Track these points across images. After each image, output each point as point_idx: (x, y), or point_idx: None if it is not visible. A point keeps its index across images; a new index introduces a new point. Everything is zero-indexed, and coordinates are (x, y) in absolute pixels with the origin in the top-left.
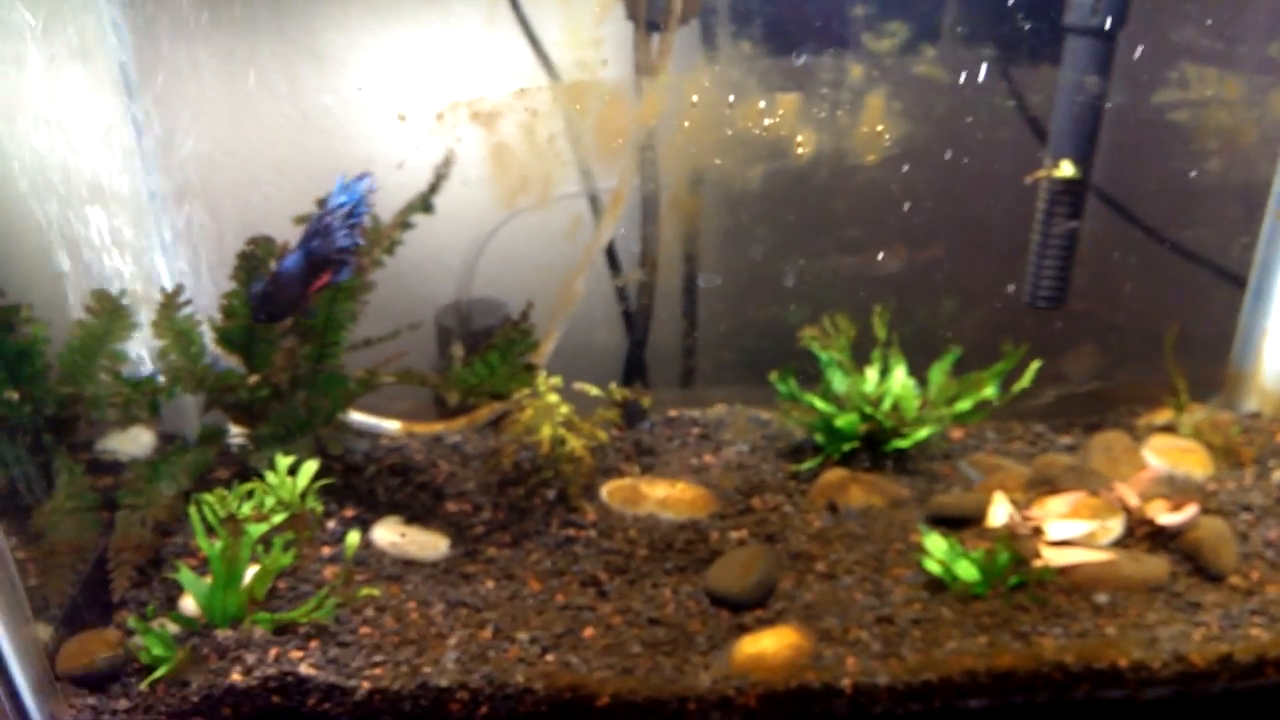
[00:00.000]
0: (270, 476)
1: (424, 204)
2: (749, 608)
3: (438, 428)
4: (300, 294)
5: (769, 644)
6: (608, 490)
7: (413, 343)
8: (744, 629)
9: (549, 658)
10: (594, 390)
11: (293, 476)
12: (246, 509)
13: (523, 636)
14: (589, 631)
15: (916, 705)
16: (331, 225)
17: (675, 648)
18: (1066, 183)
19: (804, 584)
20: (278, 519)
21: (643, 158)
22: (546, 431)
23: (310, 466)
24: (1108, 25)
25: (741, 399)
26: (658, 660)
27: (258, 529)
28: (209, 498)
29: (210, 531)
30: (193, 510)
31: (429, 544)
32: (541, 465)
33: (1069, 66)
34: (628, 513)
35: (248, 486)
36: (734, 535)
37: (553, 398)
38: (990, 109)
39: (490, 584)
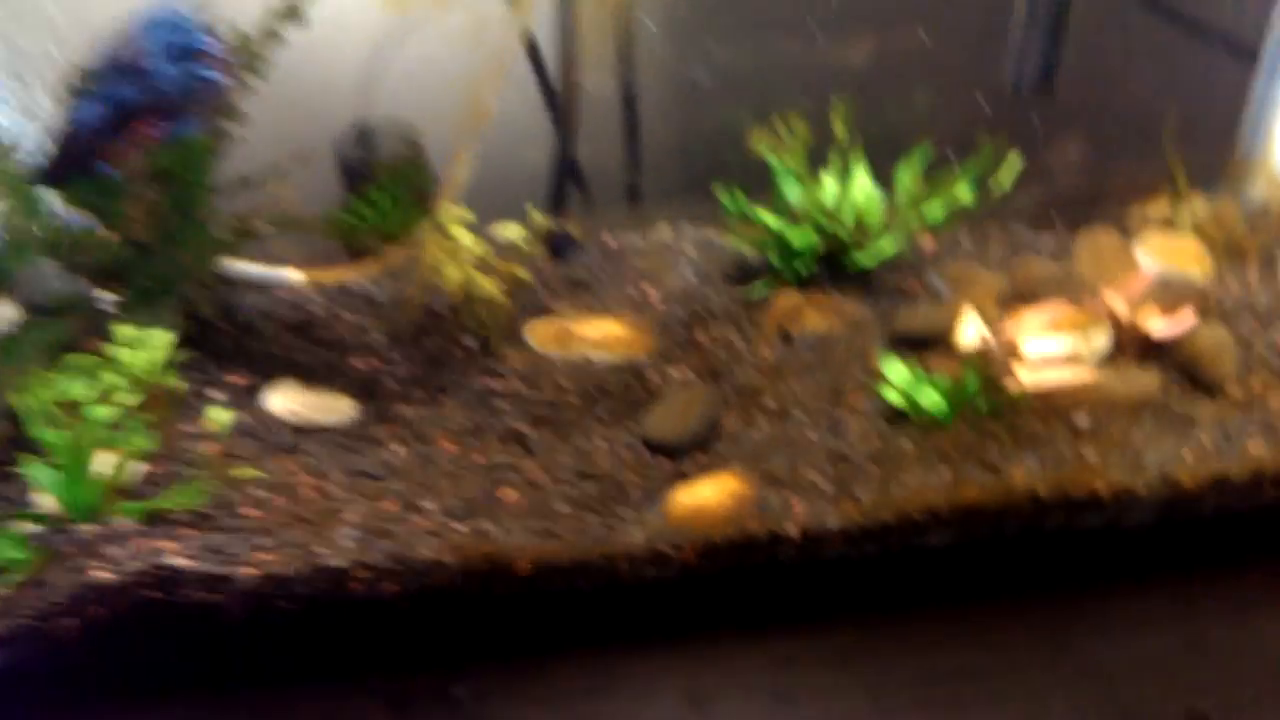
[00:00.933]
0: (118, 349)
1: (291, 10)
2: (690, 453)
3: (347, 274)
4: (106, 150)
5: (708, 492)
6: (534, 333)
7: (311, 178)
8: (684, 477)
9: (461, 526)
10: (510, 230)
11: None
12: (78, 389)
13: (432, 505)
14: (509, 493)
15: (873, 546)
16: (148, 67)
17: (607, 503)
18: None
19: (752, 423)
20: (124, 399)
21: None
22: (453, 275)
23: (160, 337)
24: None
25: (690, 218)
26: (586, 519)
27: (101, 411)
28: (35, 382)
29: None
30: (18, 398)
31: (331, 407)
32: (460, 312)
33: None
34: (557, 357)
35: (87, 361)
36: (675, 374)
37: (460, 234)
38: None
39: (398, 448)
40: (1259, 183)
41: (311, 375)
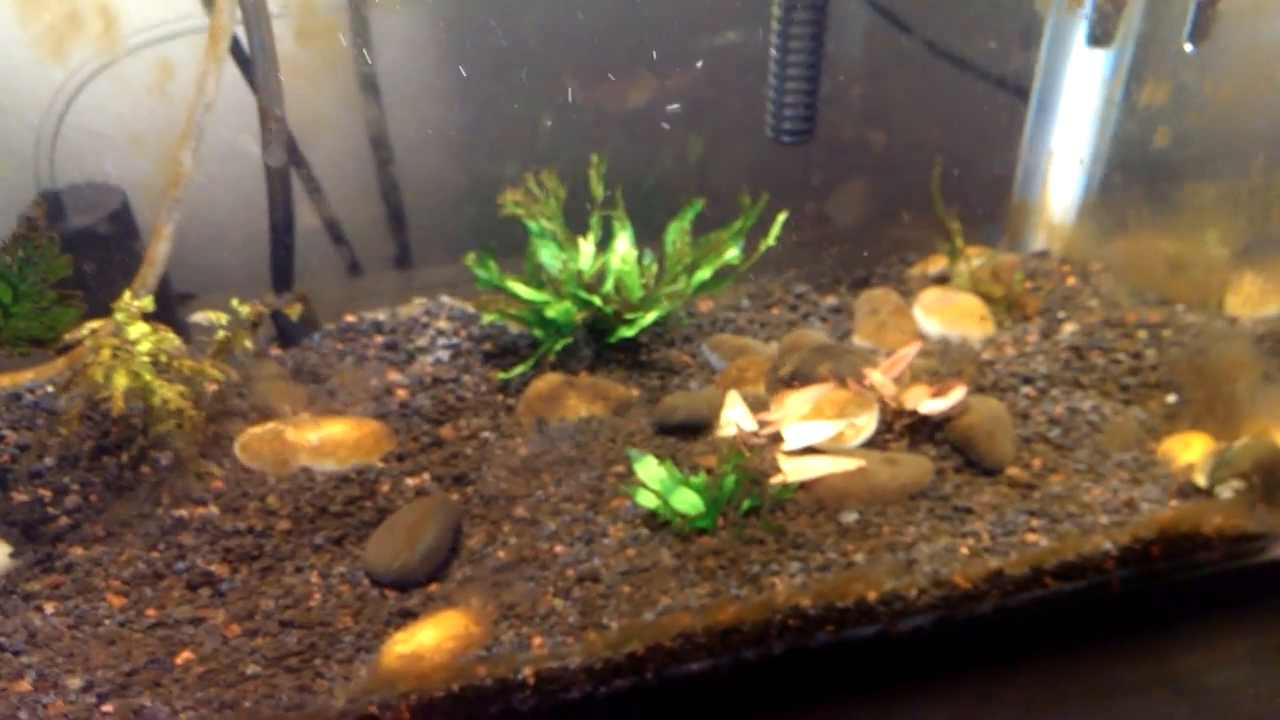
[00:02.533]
0: None
1: None
2: (420, 584)
3: (23, 377)
4: None
5: (427, 638)
6: (244, 443)
7: None
8: (410, 616)
9: (107, 707)
10: (220, 317)
11: None
12: None
13: (75, 682)
14: (185, 655)
15: (623, 681)
16: None
17: (310, 658)
18: None
19: (497, 538)
20: None
21: None
22: (121, 382)
23: None
24: None
25: (448, 288)
26: (278, 681)
27: None
28: None
29: None
30: None
31: None
32: (147, 423)
33: None
34: (270, 471)
35: None
36: (411, 483)
37: (136, 330)
38: None
39: (51, 608)
40: (1038, 229)
41: None
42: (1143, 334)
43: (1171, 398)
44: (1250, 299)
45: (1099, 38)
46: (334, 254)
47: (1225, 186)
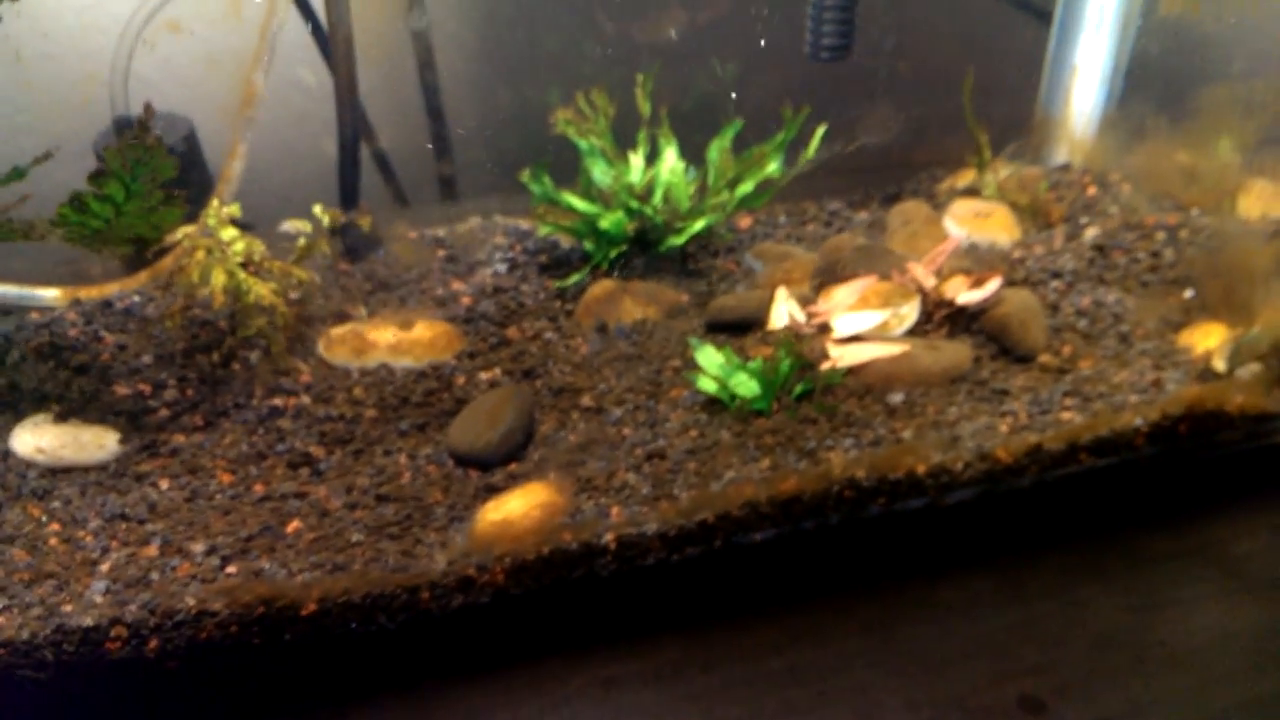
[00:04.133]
0: None
1: None
2: (500, 463)
3: (110, 289)
4: None
5: (516, 506)
6: (327, 342)
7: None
8: (495, 490)
9: (231, 569)
10: (299, 226)
11: None
12: None
13: (198, 547)
14: (294, 525)
15: (694, 549)
16: None
17: (407, 527)
18: None
19: (567, 424)
20: None
21: None
22: (219, 280)
23: None
24: None
25: (501, 209)
26: (382, 547)
27: None
28: None
29: None
30: None
31: (89, 443)
32: (239, 322)
33: None
34: (354, 366)
35: None
36: (484, 377)
37: (229, 235)
38: None
39: (166, 484)
40: (1060, 143)
41: (66, 407)
42: (1161, 235)
43: (1189, 293)
44: (1261, 201)
45: None
46: (389, 180)
47: (1239, 90)
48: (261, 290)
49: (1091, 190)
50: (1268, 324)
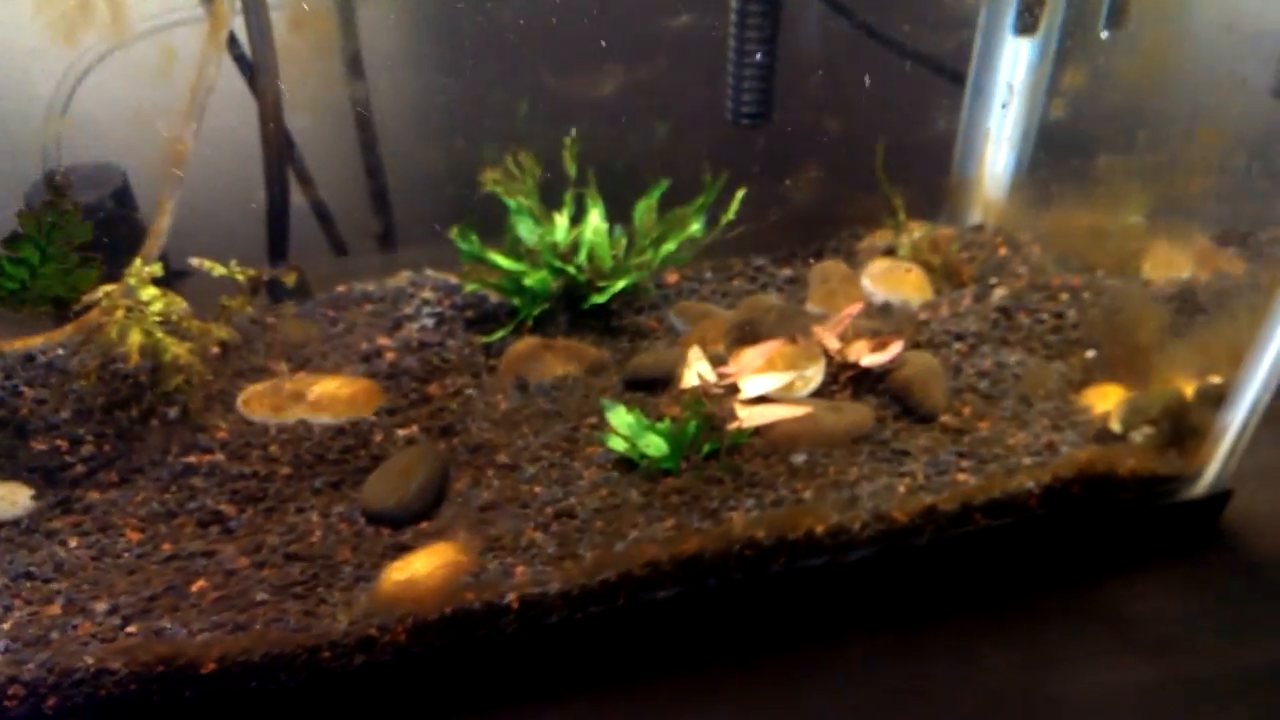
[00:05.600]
0: None
1: None
2: (411, 521)
3: (35, 341)
4: None
5: (420, 566)
6: (245, 398)
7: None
8: (404, 549)
9: (131, 628)
10: (215, 268)
11: None
12: None
13: (101, 606)
14: (199, 584)
15: (597, 607)
16: None
17: (313, 586)
18: None
19: (481, 481)
20: None
21: None
22: (136, 339)
23: None
24: None
25: (432, 262)
26: (286, 606)
27: None
28: None
29: None
30: None
31: (1, 499)
32: (158, 380)
33: None
34: (272, 422)
35: None
36: (402, 433)
37: (148, 292)
38: None
39: (75, 542)
40: (975, 204)
41: None
42: (1065, 296)
43: (1090, 353)
44: (1162, 264)
45: (1024, 27)
46: (321, 234)
47: (1138, 162)
48: (179, 350)
49: (1002, 250)
50: (1159, 387)
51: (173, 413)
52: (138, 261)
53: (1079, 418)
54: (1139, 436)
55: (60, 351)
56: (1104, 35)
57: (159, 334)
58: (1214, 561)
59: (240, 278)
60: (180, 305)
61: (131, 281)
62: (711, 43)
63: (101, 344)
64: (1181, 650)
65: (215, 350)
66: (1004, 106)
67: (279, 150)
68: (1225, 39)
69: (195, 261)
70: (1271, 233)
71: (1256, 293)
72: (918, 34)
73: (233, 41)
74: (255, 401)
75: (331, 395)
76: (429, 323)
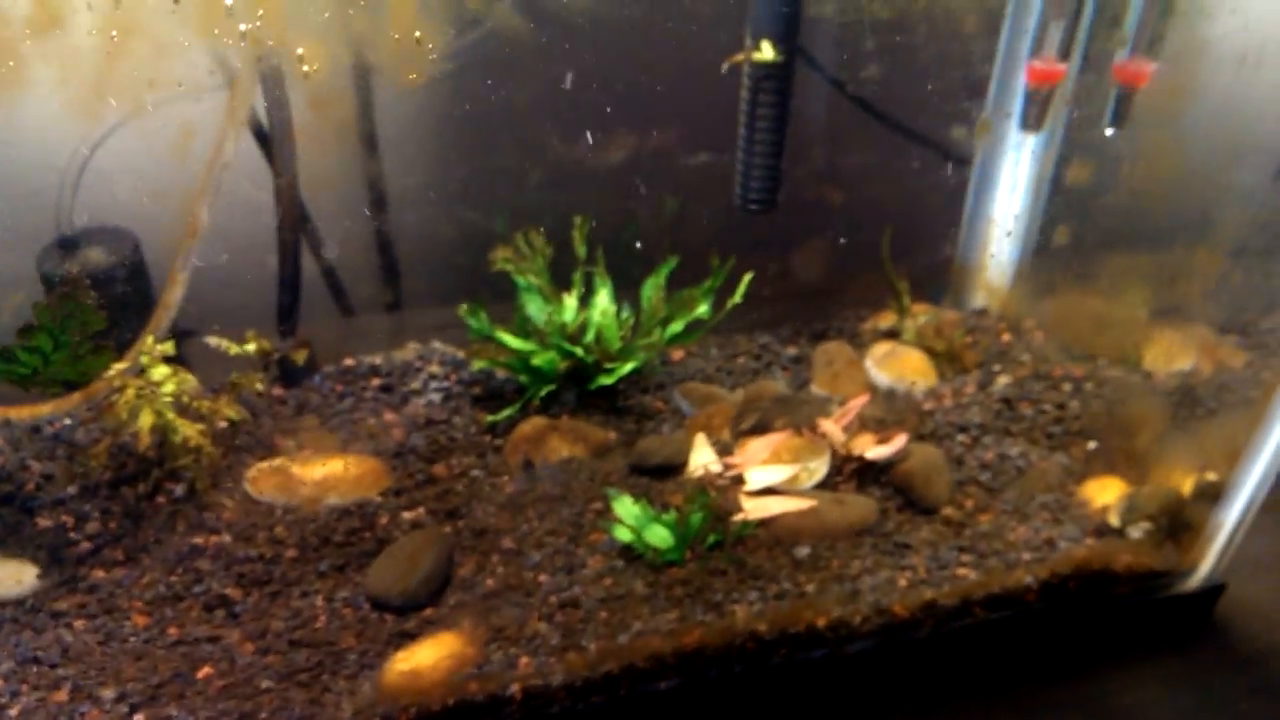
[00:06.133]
0: None
1: None
2: (416, 609)
3: (42, 410)
4: None
5: (425, 656)
6: (253, 476)
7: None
8: (409, 636)
9: (139, 716)
10: (233, 348)
11: None
12: None
13: (108, 694)
14: (205, 671)
15: (599, 698)
16: None
17: (318, 674)
18: (768, 67)
19: (486, 568)
20: None
21: (262, 43)
22: (147, 421)
23: None
24: None
25: (440, 335)
26: (291, 694)
27: None
28: None
29: None
30: None
31: (6, 578)
32: (165, 457)
33: None
34: (279, 502)
35: None
36: (407, 516)
37: (159, 372)
38: None
39: (81, 624)
40: (978, 289)
41: None
42: (1068, 386)
43: (1091, 444)
44: (1164, 355)
45: (1029, 123)
46: (333, 302)
47: (1139, 259)
48: (189, 431)
49: (1006, 336)
50: (1156, 483)
51: (179, 490)
52: (149, 339)
53: (1078, 511)
54: (1136, 532)
55: (68, 422)
56: (1109, 133)
57: (169, 414)
58: (1206, 654)
59: (253, 350)
60: (191, 384)
61: (144, 360)
62: (720, 129)
63: (111, 422)
64: None
65: (223, 426)
66: (1008, 234)
67: (294, 225)
68: (1225, 144)
69: (214, 341)
70: (1272, 321)
71: (1255, 386)
72: (925, 124)
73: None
74: (262, 480)
75: (339, 475)
76: (436, 398)
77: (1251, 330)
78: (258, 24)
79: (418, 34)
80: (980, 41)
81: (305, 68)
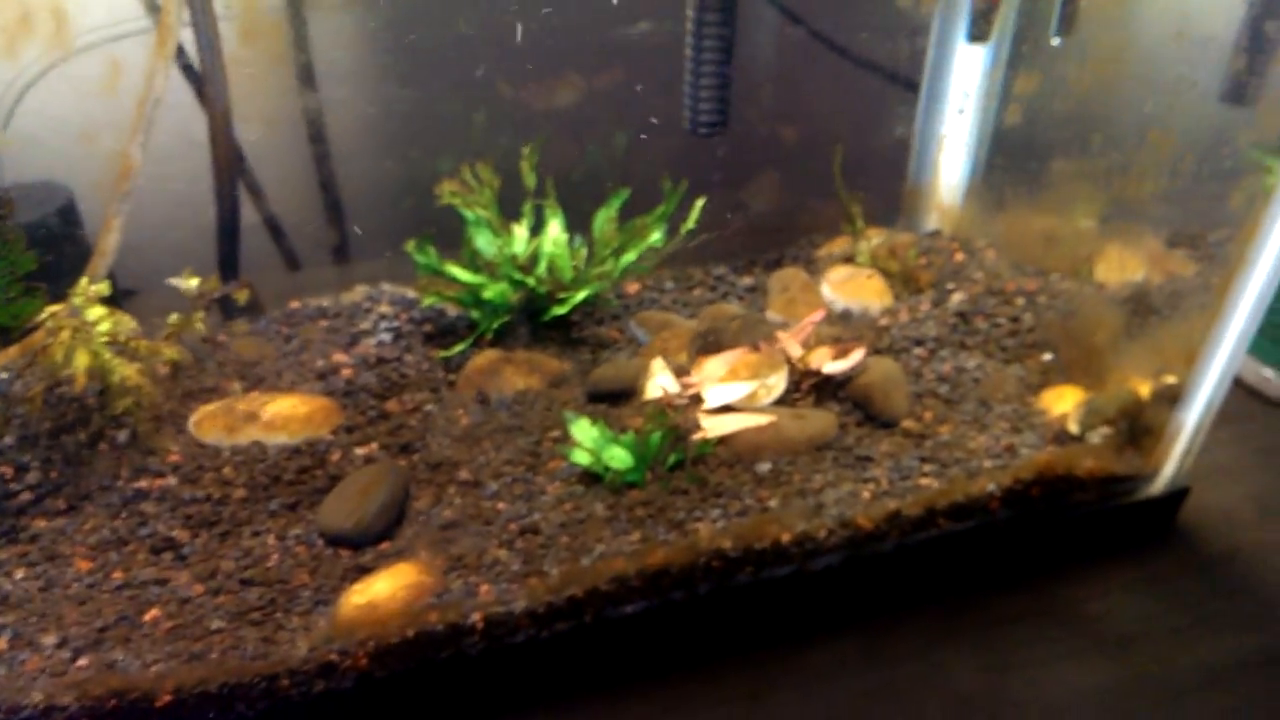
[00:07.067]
0: None
1: None
2: (372, 543)
3: None
4: None
5: (382, 588)
6: (198, 420)
7: None
8: (364, 570)
9: (82, 661)
10: (183, 281)
11: None
12: None
13: (49, 640)
14: (153, 613)
15: (564, 624)
16: None
17: (271, 612)
18: None
19: (443, 499)
20: None
21: None
22: (83, 361)
23: None
24: None
25: (389, 276)
26: (243, 634)
27: None
28: None
29: None
30: None
31: None
32: (106, 402)
33: None
34: (225, 444)
35: None
36: (360, 452)
37: (95, 312)
38: None
39: (21, 574)
40: (930, 210)
41: None
42: (1021, 300)
43: (1047, 356)
44: (1115, 267)
45: (977, 35)
46: (275, 248)
47: (1089, 165)
48: (127, 371)
49: (959, 256)
50: (1115, 388)
51: (122, 436)
52: (84, 280)
53: (1037, 420)
54: (1096, 437)
55: (3, 375)
56: (1055, 42)
57: (106, 355)
58: (1172, 559)
59: (193, 286)
60: (129, 324)
61: (78, 301)
62: (668, 52)
63: (46, 366)
64: (1142, 648)
65: (165, 370)
66: (960, 112)
67: (229, 164)
68: (1173, 45)
69: (176, 280)
70: (1220, 234)
71: (1207, 293)
72: (872, 42)
73: (180, 53)
74: (208, 423)
75: (287, 414)
76: (386, 338)
77: (1201, 243)
78: None
79: None
80: None
81: None
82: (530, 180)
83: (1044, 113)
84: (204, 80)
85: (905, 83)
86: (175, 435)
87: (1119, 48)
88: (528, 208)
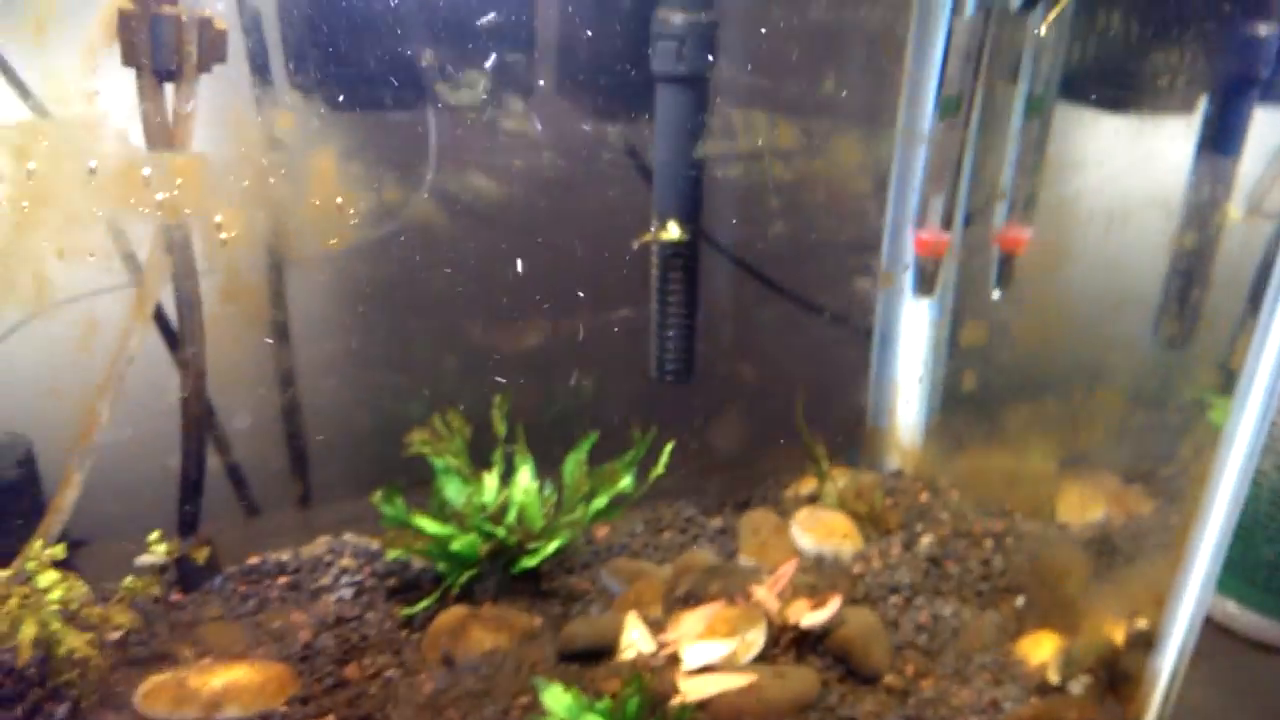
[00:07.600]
0: None
1: None
2: None
3: None
4: None
5: None
6: (145, 691)
7: None
8: None
9: None
10: (155, 556)
11: None
12: None
13: None
14: None
15: None
16: None
17: None
18: (676, 245)
19: None
20: None
21: (173, 238)
22: (30, 632)
23: None
24: (697, 72)
25: (355, 526)
26: None
27: None
28: None
29: None
30: None
31: None
32: (46, 674)
33: (661, 118)
34: (173, 718)
35: None
36: None
37: (47, 578)
38: (595, 166)
39: None
40: (891, 450)
41: None
42: (989, 543)
43: (1020, 600)
44: (1077, 506)
45: (922, 289)
46: (238, 496)
47: (1039, 410)
48: (76, 643)
49: (923, 496)
50: (1090, 634)
51: (61, 711)
52: (38, 544)
53: (1017, 670)
54: (1077, 687)
55: None
56: (995, 295)
57: (56, 624)
58: None
59: (163, 552)
60: (81, 591)
61: (31, 566)
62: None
63: None
64: None
65: (115, 636)
66: (920, 381)
67: (199, 423)
68: (1104, 293)
69: (144, 559)
70: (1170, 469)
71: (1167, 532)
72: (828, 293)
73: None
74: (154, 695)
75: (240, 685)
76: (347, 594)
77: (1152, 478)
78: (174, 193)
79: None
80: (874, 201)
81: (223, 235)
82: (501, 428)
83: (992, 361)
84: (180, 339)
85: (861, 330)
86: (119, 710)
87: (1055, 299)
88: (498, 454)
